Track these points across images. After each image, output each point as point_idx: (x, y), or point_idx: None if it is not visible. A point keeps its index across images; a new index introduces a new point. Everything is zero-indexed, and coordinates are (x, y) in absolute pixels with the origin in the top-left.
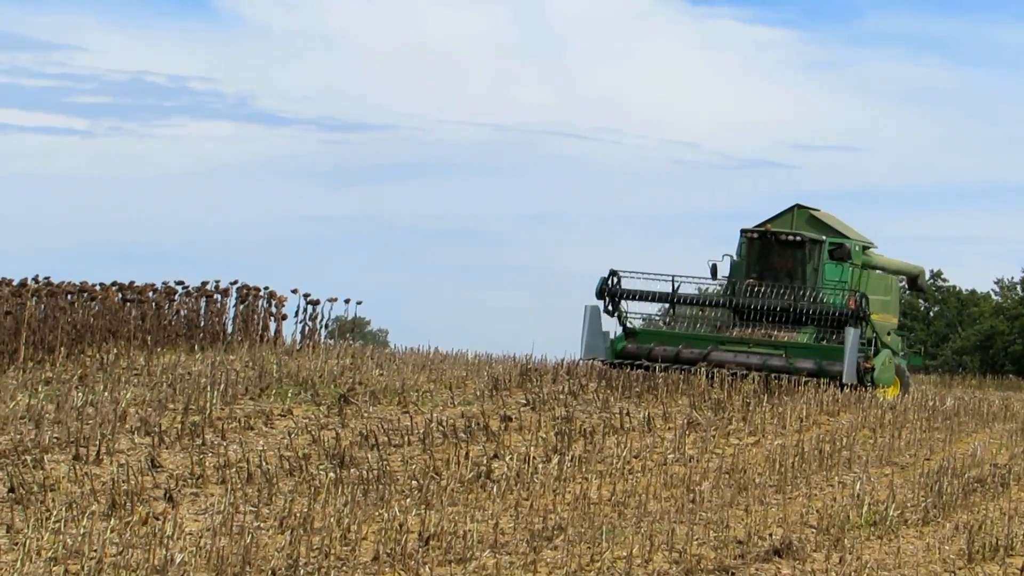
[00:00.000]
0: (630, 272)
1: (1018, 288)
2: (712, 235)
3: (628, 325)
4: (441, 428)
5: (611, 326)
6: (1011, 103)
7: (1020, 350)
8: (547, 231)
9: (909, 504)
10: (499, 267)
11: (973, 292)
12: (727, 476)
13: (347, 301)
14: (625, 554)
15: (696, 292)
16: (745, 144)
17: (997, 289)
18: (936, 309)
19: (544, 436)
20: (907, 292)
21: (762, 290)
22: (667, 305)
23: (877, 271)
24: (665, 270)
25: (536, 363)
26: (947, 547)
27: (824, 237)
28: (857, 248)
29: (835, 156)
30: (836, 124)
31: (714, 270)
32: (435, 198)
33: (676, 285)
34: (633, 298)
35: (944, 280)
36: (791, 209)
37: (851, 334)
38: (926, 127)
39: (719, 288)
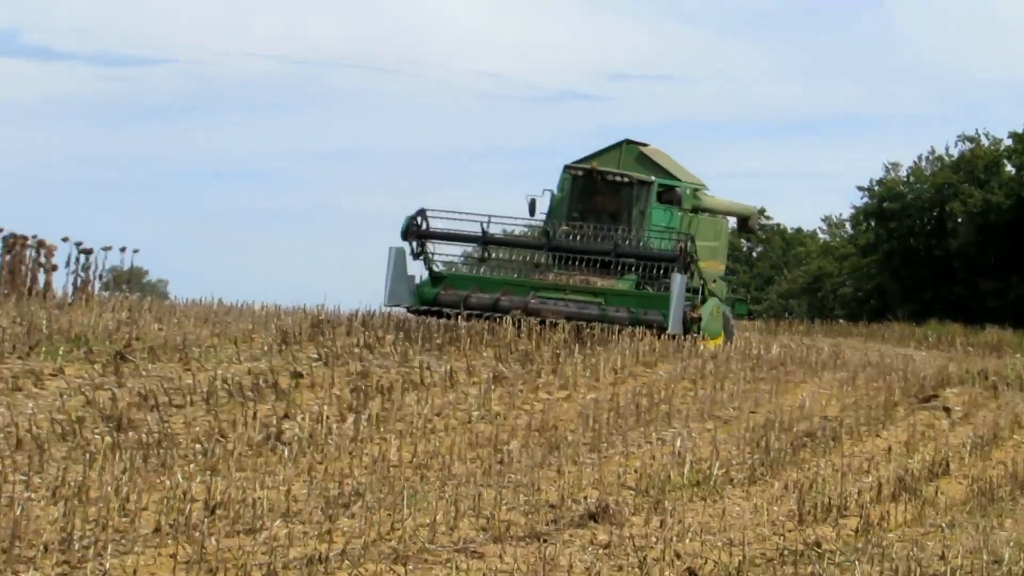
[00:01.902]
0: (439, 211)
1: (847, 225)
2: (523, 172)
3: (435, 269)
4: (226, 386)
5: (417, 270)
6: (840, 30)
7: (850, 293)
8: (342, 171)
9: (734, 462)
10: (288, 211)
11: (799, 231)
12: (537, 434)
13: (123, 250)
14: (428, 521)
15: (510, 234)
16: (554, 75)
17: (824, 227)
18: (760, 249)
19: (338, 393)
20: (736, 233)
21: (582, 232)
22: (477, 247)
23: (707, 215)
24: (475, 210)
25: (328, 314)
26: (776, 508)
27: (653, 178)
28: (688, 191)
29: (652, 86)
30: (652, 52)
31: (532, 206)
32: (219, 137)
33: (488, 225)
34: (443, 239)
35: (768, 218)
36: (619, 144)
37: (677, 281)
38: (749, 54)
39: (536, 228)
